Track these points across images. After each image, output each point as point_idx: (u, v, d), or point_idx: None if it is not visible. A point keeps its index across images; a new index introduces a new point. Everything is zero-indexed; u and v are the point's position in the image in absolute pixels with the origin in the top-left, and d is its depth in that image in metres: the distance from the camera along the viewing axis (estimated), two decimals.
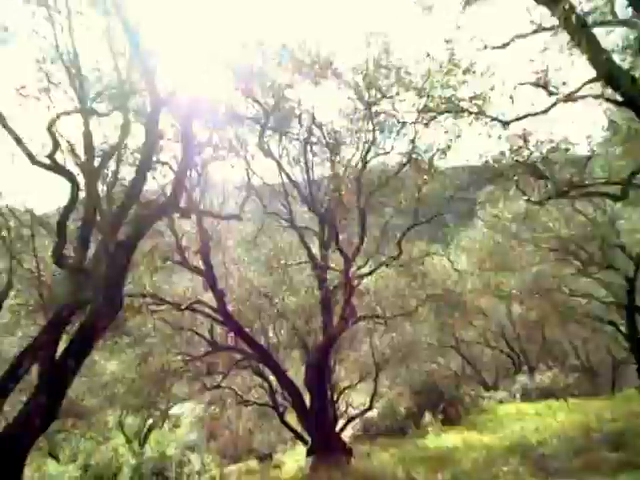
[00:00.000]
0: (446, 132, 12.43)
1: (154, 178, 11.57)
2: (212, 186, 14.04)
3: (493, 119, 10.45)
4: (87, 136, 7.50)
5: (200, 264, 13.78)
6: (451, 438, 14.22)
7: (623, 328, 19.45)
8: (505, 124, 10.39)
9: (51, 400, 6.64)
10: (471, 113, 10.86)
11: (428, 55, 10.92)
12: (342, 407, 20.44)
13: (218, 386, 17.33)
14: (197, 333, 15.60)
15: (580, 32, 7.99)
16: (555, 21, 8.52)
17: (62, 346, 7.27)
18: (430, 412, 19.25)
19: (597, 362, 27.12)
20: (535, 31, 9.08)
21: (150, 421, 21.98)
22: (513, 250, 19.70)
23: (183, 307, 13.73)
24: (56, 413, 6.82)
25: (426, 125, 12.92)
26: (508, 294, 21.19)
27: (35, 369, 7.27)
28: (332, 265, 14.81)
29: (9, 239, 9.13)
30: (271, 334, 17.77)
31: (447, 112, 11.11)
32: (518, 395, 20.45)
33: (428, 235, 18.37)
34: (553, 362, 27.60)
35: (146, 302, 13.81)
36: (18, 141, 6.96)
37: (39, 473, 15.27)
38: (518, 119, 10.25)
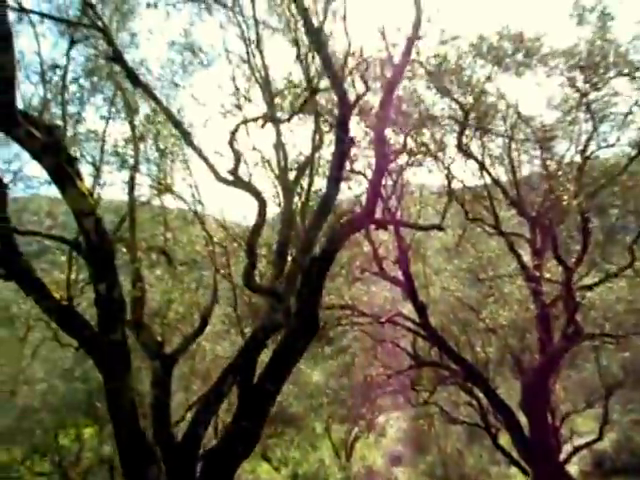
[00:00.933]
0: None
1: (350, 188, 11.47)
2: (409, 193, 13.49)
3: None
4: (279, 148, 7.52)
5: (399, 275, 13.31)
6: None
7: None
8: None
9: (253, 425, 6.64)
10: None
11: None
12: (566, 434, 18.23)
13: (425, 402, 16.60)
14: (399, 346, 15.13)
15: None
16: None
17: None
18: None
19: None
20: None
21: (356, 430, 22.16)
22: None
23: (383, 320, 13.37)
24: (258, 439, 6.83)
25: None
26: None
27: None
28: (548, 275, 13.10)
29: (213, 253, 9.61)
30: (479, 350, 16.49)
31: None
32: None
33: None
34: None
35: (345, 314, 13.85)
36: (203, 158, 7.19)
37: (253, 476, 16.29)
38: None
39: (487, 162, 12.66)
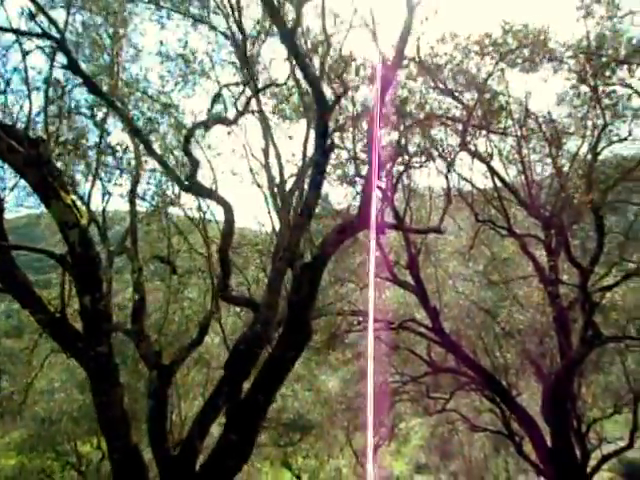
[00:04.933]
0: None
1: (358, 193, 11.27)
2: (418, 196, 13.23)
3: None
4: (267, 150, 7.41)
5: (410, 279, 13.05)
6: None
7: None
8: None
9: (242, 439, 6.48)
10: None
11: None
12: (594, 442, 17.54)
13: (442, 410, 16.21)
14: (413, 352, 14.81)
15: None
16: None
17: None
18: None
19: None
20: None
21: (376, 438, 21.81)
22: None
23: (394, 326, 13.11)
24: (249, 453, 6.67)
25: None
26: None
27: None
28: (564, 277, 12.64)
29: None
30: (498, 355, 16.02)
31: None
32: None
33: None
34: None
35: (358, 320, 13.63)
36: (163, 165, 7.11)
37: None
38: None
39: (497, 162, 12.35)
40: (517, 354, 15.34)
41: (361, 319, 13.56)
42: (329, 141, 6.84)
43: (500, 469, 20.38)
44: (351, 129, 10.44)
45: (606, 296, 13.29)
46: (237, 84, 8.10)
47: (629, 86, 10.55)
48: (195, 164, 7.13)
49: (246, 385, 7.29)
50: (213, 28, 7.72)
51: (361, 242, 13.29)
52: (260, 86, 8.01)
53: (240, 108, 7.99)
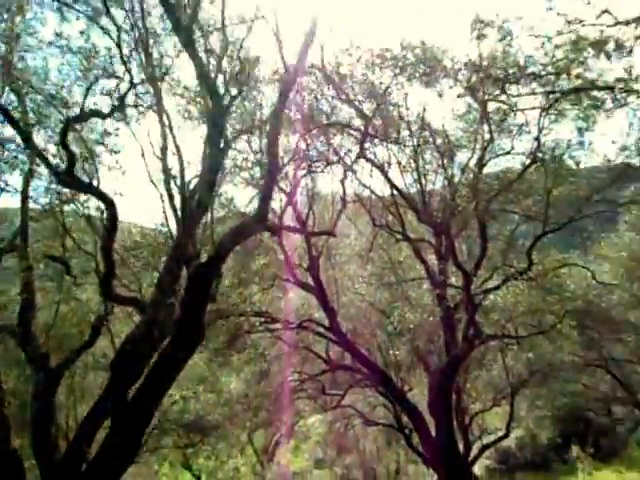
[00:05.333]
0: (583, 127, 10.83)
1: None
2: (321, 199, 13.65)
3: None
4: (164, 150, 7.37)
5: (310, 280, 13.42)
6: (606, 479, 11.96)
7: None
8: None
9: (127, 442, 6.41)
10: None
11: (549, 39, 9.36)
12: (476, 433, 18.91)
13: (336, 407, 16.77)
14: (312, 351, 15.22)
15: None
16: None
17: None
18: (577, 444, 16.78)
19: None
20: None
21: (277, 436, 22.09)
22: None
23: (293, 326, 13.42)
24: (135, 454, 6.61)
25: (555, 118, 11.46)
26: None
27: None
28: (453, 280, 13.59)
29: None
30: (390, 352, 16.85)
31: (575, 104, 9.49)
32: None
33: (564, 243, 16.23)
34: None
35: (259, 320, 13.77)
36: (43, 159, 6.95)
37: None
38: None
39: (395, 170, 13.00)
40: (408, 352, 16.20)
41: (263, 320, 13.72)
42: (223, 141, 6.92)
43: (391, 460, 21.40)
44: (258, 132, 10.62)
45: (488, 298, 14.50)
46: (112, 76, 7.89)
47: (510, 105, 11.56)
48: (72, 158, 6.90)
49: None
50: (113, 22, 7.51)
51: (266, 244, 13.50)
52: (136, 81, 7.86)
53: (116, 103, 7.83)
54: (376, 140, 11.48)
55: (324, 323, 13.77)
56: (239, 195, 27.71)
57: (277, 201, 12.01)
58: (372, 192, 12.83)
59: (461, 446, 16.06)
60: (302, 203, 12.55)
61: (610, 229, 18.94)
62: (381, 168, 11.89)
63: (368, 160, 11.50)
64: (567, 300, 15.01)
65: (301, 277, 13.75)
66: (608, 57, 8.64)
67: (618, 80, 9.20)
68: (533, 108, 11.11)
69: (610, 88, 9.33)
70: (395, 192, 12.56)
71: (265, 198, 7.26)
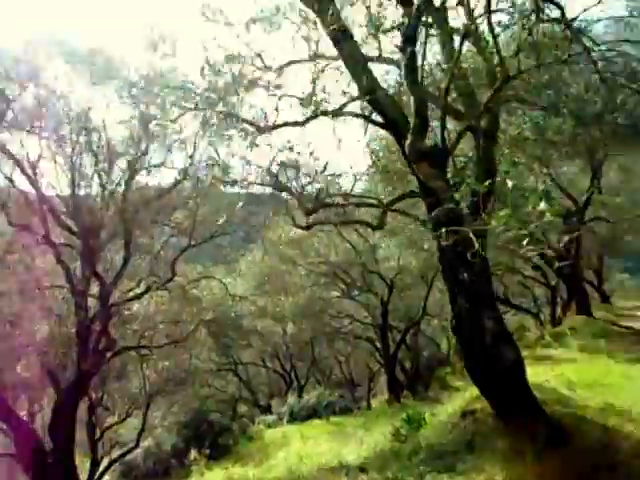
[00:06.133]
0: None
1: None
2: None
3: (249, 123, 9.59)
4: None
5: None
6: (215, 476, 12.92)
7: (378, 344, 21.27)
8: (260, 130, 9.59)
9: None
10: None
11: (210, 66, 10.08)
12: (107, 447, 18.06)
13: None
14: None
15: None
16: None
17: None
18: (196, 447, 17.84)
19: (358, 375, 29.12)
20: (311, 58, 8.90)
21: None
22: (289, 274, 20.31)
23: None
24: None
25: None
26: (283, 316, 21.61)
27: None
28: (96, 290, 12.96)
29: None
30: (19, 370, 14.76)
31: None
32: (285, 418, 20.16)
33: (211, 258, 17.65)
34: (322, 377, 29.21)
35: None
36: None
37: None
38: (275, 127, 9.47)
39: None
40: (38, 367, 14.53)
41: None
42: None
43: None
44: None
45: (130, 308, 14.45)
46: None
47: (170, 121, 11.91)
48: None
49: None
50: None
51: None
52: None
53: None
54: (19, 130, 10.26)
55: None
56: None
57: None
58: (14, 187, 11.38)
59: (87, 462, 15.06)
60: None
61: (248, 248, 21.54)
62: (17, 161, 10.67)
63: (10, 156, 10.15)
64: (203, 310, 16.31)
65: None
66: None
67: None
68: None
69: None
70: (34, 191, 11.42)
71: None
